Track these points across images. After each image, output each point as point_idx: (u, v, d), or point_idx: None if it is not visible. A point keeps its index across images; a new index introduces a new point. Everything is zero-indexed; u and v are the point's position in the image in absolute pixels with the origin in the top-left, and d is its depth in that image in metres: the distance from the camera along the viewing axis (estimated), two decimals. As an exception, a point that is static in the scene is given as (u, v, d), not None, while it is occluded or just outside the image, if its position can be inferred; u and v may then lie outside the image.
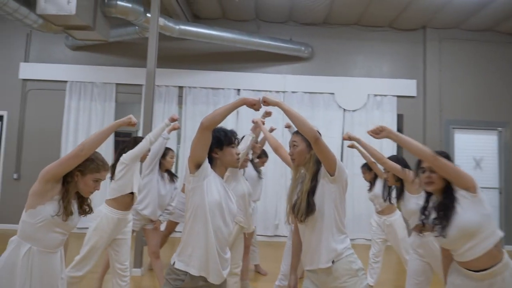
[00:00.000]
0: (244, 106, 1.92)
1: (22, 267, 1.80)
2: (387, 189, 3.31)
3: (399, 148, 6.80)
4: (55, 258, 1.91)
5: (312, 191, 1.94)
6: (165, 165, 3.93)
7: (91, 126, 6.60)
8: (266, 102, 1.93)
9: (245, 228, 3.27)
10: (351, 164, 6.68)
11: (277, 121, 6.79)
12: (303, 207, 1.91)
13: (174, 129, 3.72)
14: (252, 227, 3.38)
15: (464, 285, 1.86)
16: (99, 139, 1.95)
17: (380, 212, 4.15)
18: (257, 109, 1.94)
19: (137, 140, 3.21)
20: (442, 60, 6.88)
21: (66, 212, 1.86)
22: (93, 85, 6.79)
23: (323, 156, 1.88)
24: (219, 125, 1.94)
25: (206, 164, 1.87)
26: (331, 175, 1.90)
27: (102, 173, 1.97)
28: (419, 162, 2.05)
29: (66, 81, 6.79)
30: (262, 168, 4.37)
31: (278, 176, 6.55)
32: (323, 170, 1.94)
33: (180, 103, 6.80)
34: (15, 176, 6.67)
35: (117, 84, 6.80)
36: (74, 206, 1.95)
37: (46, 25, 5.04)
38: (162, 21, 5.53)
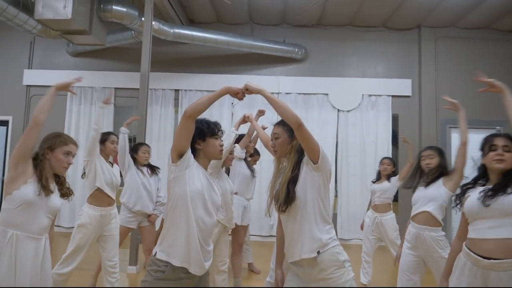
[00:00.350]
0: (234, 98, 1.94)
1: (6, 254, 1.84)
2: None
3: (394, 146, 6.81)
4: (39, 245, 1.94)
5: (293, 181, 1.90)
6: (138, 160, 3.96)
7: (91, 129, 6.79)
8: (249, 90, 1.88)
9: (228, 227, 3.34)
10: (346, 165, 6.71)
11: (273, 120, 6.86)
12: (283, 196, 1.89)
13: (134, 120, 3.86)
14: (233, 224, 3.43)
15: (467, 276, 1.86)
16: (46, 105, 2.02)
17: (375, 208, 4.19)
18: (240, 98, 1.92)
19: (102, 137, 3.32)
20: (437, 59, 6.85)
21: (46, 190, 1.92)
22: (93, 90, 7.00)
23: (306, 143, 1.84)
24: (204, 117, 1.96)
25: (189, 154, 1.86)
26: (314, 163, 1.86)
27: (70, 145, 2.03)
28: (490, 139, 2.07)
29: (67, 87, 7.01)
30: (255, 167, 4.44)
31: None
32: (306, 158, 1.91)
33: (176, 106, 6.94)
34: (19, 178, 6.90)
35: (115, 88, 7.00)
36: (52, 186, 1.99)
37: (45, 30, 5.25)
38: (156, 24, 5.70)
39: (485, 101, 6.76)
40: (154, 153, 6.58)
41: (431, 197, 2.75)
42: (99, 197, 3.19)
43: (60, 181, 2.09)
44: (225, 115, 6.73)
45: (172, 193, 1.86)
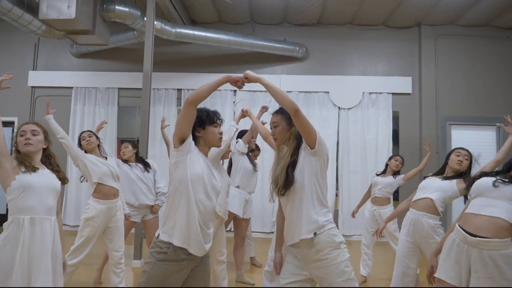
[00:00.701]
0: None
1: (22, 238, 1.95)
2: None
3: (394, 145, 6.85)
4: (50, 225, 2.06)
5: (292, 165, 1.98)
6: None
7: (93, 129, 6.88)
8: (248, 79, 1.96)
9: (224, 219, 3.42)
10: (347, 162, 6.77)
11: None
12: (282, 180, 1.96)
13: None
14: (226, 216, 3.50)
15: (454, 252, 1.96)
16: None
17: (374, 201, 4.27)
18: (239, 87, 1.99)
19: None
20: (437, 57, 6.90)
21: (28, 167, 2.04)
22: (97, 90, 7.10)
23: (303, 128, 1.91)
24: (203, 106, 2.05)
25: (190, 139, 1.94)
26: (311, 148, 1.93)
27: (23, 126, 2.15)
28: None
29: (71, 87, 7.12)
30: (256, 161, 4.50)
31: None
32: (304, 144, 1.98)
33: (179, 105, 7.03)
34: (24, 178, 7.01)
35: (119, 88, 7.09)
36: (36, 165, 2.10)
37: (50, 30, 5.36)
38: (159, 24, 5.79)
39: (485, 99, 6.82)
40: (157, 152, 6.69)
41: (440, 188, 2.82)
42: (104, 191, 3.27)
43: (54, 169, 2.21)
44: (227, 113, 6.80)
45: (173, 177, 1.95)
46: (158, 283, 1.86)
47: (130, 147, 4.03)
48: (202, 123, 2.02)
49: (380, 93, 6.87)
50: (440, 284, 2.00)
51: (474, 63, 6.89)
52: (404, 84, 6.89)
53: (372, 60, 7.04)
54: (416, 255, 2.82)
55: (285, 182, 1.94)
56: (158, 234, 1.94)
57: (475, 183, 2.07)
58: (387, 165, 4.42)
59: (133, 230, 4.50)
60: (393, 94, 6.86)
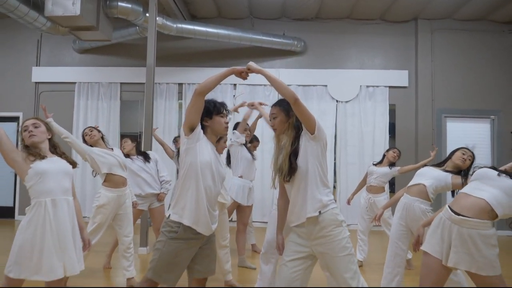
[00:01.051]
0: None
1: (47, 219, 2.14)
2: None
3: (391, 139, 7.01)
4: (70, 205, 2.25)
5: (294, 153, 2.10)
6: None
7: (98, 123, 7.03)
8: (250, 70, 2.10)
9: (226, 204, 3.59)
10: (344, 154, 6.93)
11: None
12: (286, 168, 2.09)
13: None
14: (228, 198, 3.67)
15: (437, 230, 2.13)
16: None
17: (369, 189, 4.45)
18: (244, 78, 2.15)
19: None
20: (434, 50, 7.03)
21: (35, 156, 2.21)
22: (99, 85, 7.24)
23: (303, 116, 2.03)
24: (210, 97, 2.21)
25: (199, 128, 2.10)
26: (311, 134, 2.06)
27: (25, 122, 2.31)
28: None
29: (74, 83, 7.26)
30: (257, 153, 4.67)
31: (274, 166, 6.85)
32: (304, 131, 2.10)
33: (180, 99, 7.18)
34: (30, 171, 7.18)
35: (121, 83, 7.23)
36: (42, 154, 2.26)
37: (54, 27, 5.49)
38: (160, 20, 5.91)
39: (479, 92, 6.96)
40: (159, 145, 6.84)
41: (435, 176, 2.98)
42: (114, 180, 3.45)
43: (62, 156, 2.38)
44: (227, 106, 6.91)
45: (184, 163, 2.12)
46: (169, 260, 2.04)
47: (129, 141, 4.19)
48: (209, 113, 2.18)
49: (377, 86, 7.01)
50: (425, 256, 2.17)
51: (469, 56, 7.02)
52: (400, 77, 7.03)
53: (369, 54, 7.17)
54: (408, 237, 3.00)
55: (289, 169, 2.08)
56: (169, 215, 2.12)
57: (479, 170, 2.21)
58: (384, 155, 4.59)
59: (139, 221, 4.67)
60: (390, 87, 7.01)
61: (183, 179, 2.12)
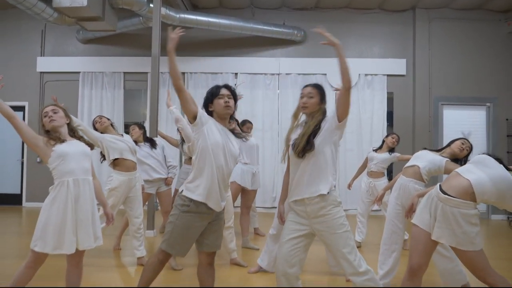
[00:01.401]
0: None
1: (63, 197, 2.31)
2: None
3: (389, 127, 7.18)
4: (90, 184, 2.43)
5: (313, 134, 2.23)
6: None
7: (103, 112, 7.19)
8: (329, 40, 2.25)
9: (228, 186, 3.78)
10: (343, 140, 7.04)
11: (274, 101, 7.27)
12: (302, 145, 2.21)
13: None
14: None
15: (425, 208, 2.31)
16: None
17: (370, 174, 4.64)
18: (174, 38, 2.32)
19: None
20: (431, 39, 7.16)
21: (55, 139, 2.38)
22: (103, 75, 7.39)
23: (345, 104, 2.21)
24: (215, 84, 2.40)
25: (200, 113, 2.22)
26: (339, 121, 2.23)
27: (45, 109, 2.48)
28: None
29: (78, 72, 7.41)
30: (251, 134, 4.76)
31: (275, 152, 7.04)
32: (330, 117, 2.27)
33: (182, 88, 7.32)
34: (38, 159, 7.37)
35: (124, 73, 7.38)
36: (62, 138, 2.42)
37: (61, 18, 5.63)
38: (163, 10, 6.04)
39: (476, 79, 7.11)
40: (163, 132, 7.01)
41: (430, 159, 3.13)
42: (125, 164, 3.64)
43: (80, 139, 2.56)
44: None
45: (196, 147, 2.29)
46: (182, 232, 2.24)
47: (137, 128, 4.37)
48: (210, 100, 2.36)
49: (376, 74, 7.16)
50: (414, 228, 2.35)
51: (466, 45, 7.16)
52: (398, 66, 7.17)
53: (368, 43, 7.30)
54: (404, 216, 3.16)
55: (304, 147, 2.22)
56: (182, 190, 2.30)
57: (480, 155, 2.33)
58: (383, 141, 4.74)
59: (145, 207, 4.87)
60: (388, 75, 7.16)
61: (197, 161, 2.28)
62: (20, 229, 5.87)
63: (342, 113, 2.24)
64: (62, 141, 2.41)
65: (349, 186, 4.87)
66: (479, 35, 7.15)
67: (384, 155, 4.62)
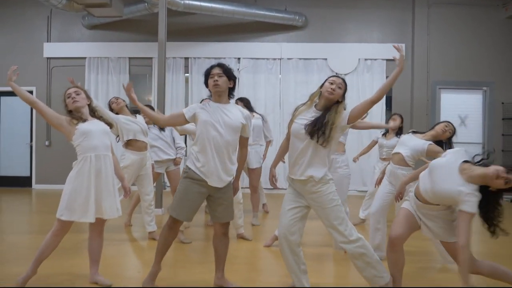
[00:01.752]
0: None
1: (86, 170, 2.54)
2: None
3: (388, 111, 7.37)
4: (110, 160, 2.65)
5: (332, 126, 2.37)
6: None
7: (109, 97, 7.34)
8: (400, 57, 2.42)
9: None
10: (343, 124, 7.31)
11: (276, 85, 7.44)
12: (322, 132, 2.34)
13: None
14: None
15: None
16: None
17: (383, 160, 4.82)
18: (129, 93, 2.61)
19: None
20: (430, 24, 7.28)
21: (77, 119, 2.60)
22: (109, 60, 7.56)
23: (362, 111, 2.40)
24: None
25: (186, 111, 2.58)
26: (347, 123, 2.38)
27: (68, 91, 2.69)
28: None
29: (84, 58, 7.58)
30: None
31: (277, 136, 7.24)
32: (344, 116, 2.39)
33: (186, 72, 7.52)
34: (46, 143, 7.60)
35: (129, 58, 7.55)
36: (84, 117, 2.64)
37: (69, 4, 5.78)
38: (169, -4, 6.18)
39: (473, 64, 7.26)
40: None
41: (412, 146, 3.30)
42: (137, 144, 3.87)
43: (100, 118, 2.77)
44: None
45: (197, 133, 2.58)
46: (181, 196, 2.53)
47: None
48: (206, 80, 2.63)
49: (375, 59, 7.32)
50: (401, 209, 2.61)
51: (464, 30, 7.29)
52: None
53: (367, 28, 7.44)
54: (393, 193, 3.34)
55: (323, 134, 2.35)
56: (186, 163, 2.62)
57: (461, 149, 2.48)
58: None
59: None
60: (387, 60, 7.31)
61: (196, 139, 2.57)
62: (31, 208, 6.16)
63: (354, 117, 2.39)
64: (84, 120, 2.62)
65: (355, 159, 5.04)
66: (477, 20, 7.27)
67: (393, 141, 4.58)
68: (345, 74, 7.31)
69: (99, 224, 2.69)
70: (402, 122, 4.76)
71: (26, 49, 7.64)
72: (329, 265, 3.40)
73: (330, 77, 2.53)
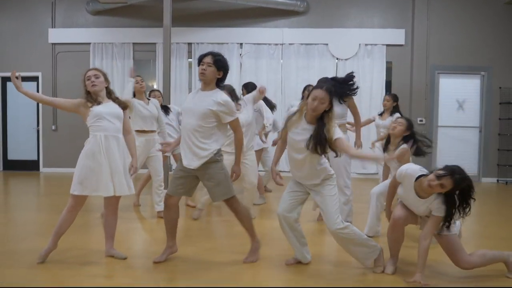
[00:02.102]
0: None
1: (101, 151, 2.70)
2: None
3: (387, 92, 7.48)
4: (119, 141, 2.79)
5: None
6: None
7: (114, 82, 7.52)
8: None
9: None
10: (344, 108, 7.46)
11: (277, 70, 7.57)
12: (321, 147, 2.45)
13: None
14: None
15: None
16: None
17: (381, 139, 4.93)
18: None
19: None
20: (430, 10, 7.35)
21: (93, 101, 2.76)
22: (113, 46, 7.67)
23: (342, 149, 2.52)
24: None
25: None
26: (334, 151, 2.52)
27: (88, 73, 2.83)
28: None
29: (89, 43, 7.69)
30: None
31: (280, 120, 7.40)
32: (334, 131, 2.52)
33: (189, 57, 7.65)
34: (53, 127, 7.77)
35: (133, 43, 7.66)
36: (100, 100, 2.79)
37: (75, -10, 5.84)
38: (172, -18, 6.24)
39: (471, 49, 7.36)
40: (171, 100, 7.39)
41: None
42: (145, 127, 4.03)
43: (116, 100, 2.90)
44: (233, 65, 7.38)
45: None
46: (172, 179, 2.80)
47: (159, 93, 4.79)
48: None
49: (375, 44, 7.43)
50: (400, 204, 2.75)
51: (463, 15, 7.36)
52: (397, 36, 7.42)
53: (368, 13, 7.52)
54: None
55: (322, 151, 2.48)
56: None
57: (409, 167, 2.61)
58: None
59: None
60: (387, 45, 7.42)
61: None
62: (39, 190, 6.38)
63: (336, 147, 2.49)
64: (99, 103, 2.79)
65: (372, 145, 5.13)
66: (476, 6, 7.34)
67: (388, 122, 4.73)
68: (346, 59, 7.43)
69: (113, 202, 2.89)
70: (395, 101, 4.92)
71: (31, 35, 7.74)
72: (330, 238, 3.59)
73: (313, 89, 2.51)
